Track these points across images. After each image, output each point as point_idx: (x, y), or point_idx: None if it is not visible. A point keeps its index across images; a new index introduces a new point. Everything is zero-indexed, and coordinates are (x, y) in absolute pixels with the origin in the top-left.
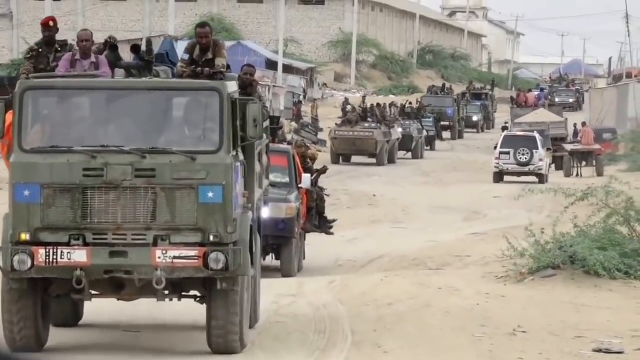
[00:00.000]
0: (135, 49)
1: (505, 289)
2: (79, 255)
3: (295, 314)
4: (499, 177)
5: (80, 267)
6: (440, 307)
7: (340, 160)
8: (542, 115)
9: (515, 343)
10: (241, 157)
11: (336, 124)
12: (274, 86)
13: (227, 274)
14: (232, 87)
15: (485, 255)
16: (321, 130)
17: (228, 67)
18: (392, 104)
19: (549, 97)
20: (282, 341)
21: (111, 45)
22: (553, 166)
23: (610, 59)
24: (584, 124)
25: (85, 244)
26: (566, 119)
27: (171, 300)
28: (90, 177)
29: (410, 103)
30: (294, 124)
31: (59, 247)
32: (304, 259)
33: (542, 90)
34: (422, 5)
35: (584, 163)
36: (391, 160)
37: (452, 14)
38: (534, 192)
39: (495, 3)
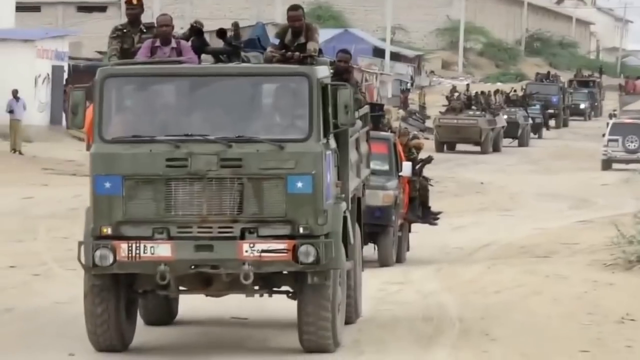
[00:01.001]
0: (221, 33)
1: (614, 277)
2: (163, 250)
3: (402, 301)
4: (607, 164)
5: (164, 261)
6: (547, 295)
7: (445, 148)
8: None
9: (624, 331)
10: (333, 145)
11: (440, 112)
12: (381, 74)
13: (318, 267)
14: (323, 72)
15: (593, 243)
16: (428, 117)
17: (320, 51)
18: (497, 92)
19: None
20: (389, 329)
21: (197, 31)
22: None
23: None
24: None
25: (169, 238)
26: None
27: (261, 296)
28: (174, 167)
29: (515, 90)
30: (401, 111)
31: (142, 241)
32: (408, 250)
33: None
34: None
35: None
36: (496, 148)
37: (560, 1)
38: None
39: None
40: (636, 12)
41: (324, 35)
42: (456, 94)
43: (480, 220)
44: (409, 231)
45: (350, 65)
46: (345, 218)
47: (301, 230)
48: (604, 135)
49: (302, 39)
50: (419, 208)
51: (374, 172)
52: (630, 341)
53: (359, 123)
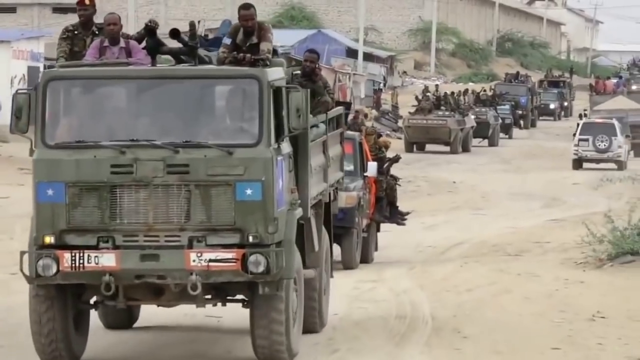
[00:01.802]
0: (174, 34)
1: (584, 275)
2: (107, 259)
3: (376, 299)
4: (577, 164)
5: (109, 272)
6: (519, 293)
7: (414, 148)
8: (621, 102)
9: (595, 329)
10: (288, 149)
11: (409, 112)
12: (354, 74)
13: (268, 277)
14: (276, 74)
15: (564, 242)
16: (401, 117)
17: (275, 52)
18: (466, 92)
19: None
20: (363, 327)
21: (150, 30)
22: (632, 153)
23: None
24: None
25: (115, 247)
26: None
27: (214, 305)
28: (119, 174)
29: (485, 90)
30: (374, 111)
31: (86, 251)
32: (376, 250)
33: (620, 77)
34: None
35: None
36: (465, 149)
37: (531, 2)
38: (612, 179)
39: None
40: (606, 13)
41: (297, 35)
42: (428, 94)
43: (453, 219)
44: (378, 230)
45: (318, 65)
46: (302, 225)
47: (251, 239)
48: (574, 134)
49: (254, 39)
50: (387, 208)
51: None
52: (601, 338)
53: (322, 126)
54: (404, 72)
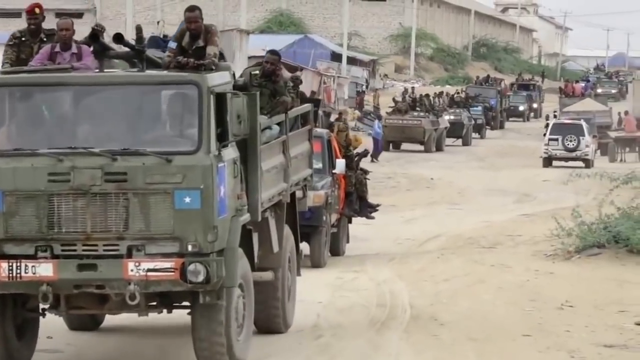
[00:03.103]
0: (117, 38)
1: (554, 266)
2: (45, 269)
3: (358, 288)
4: (547, 162)
5: (47, 282)
6: (492, 283)
7: (390, 147)
8: (589, 104)
9: (563, 316)
10: (232, 155)
11: (387, 113)
12: (339, 77)
13: (208, 286)
14: (218, 79)
15: (535, 235)
16: (381, 118)
17: (222, 56)
18: (441, 94)
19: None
20: (346, 314)
21: (92, 35)
22: (598, 152)
23: None
24: (626, 112)
25: (53, 256)
26: (610, 108)
27: (159, 313)
28: (56, 182)
29: (459, 92)
30: (357, 112)
31: (24, 260)
32: (348, 242)
33: (588, 81)
34: (476, 1)
35: (627, 149)
36: (439, 148)
37: (505, 9)
38: (580, 176)
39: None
40: (575, 20)
41: (285, 40)
42: (406, 96)
43: (430, 213)
44: (350, 222)
45: (277, 67)
46: (250, 230)
47: (190, 247)
48: (544, 134)
49: (200, 42)
50: (357, 202)
51: None
52: (569, 326)
53: (276, 128)
54: (385, 75)
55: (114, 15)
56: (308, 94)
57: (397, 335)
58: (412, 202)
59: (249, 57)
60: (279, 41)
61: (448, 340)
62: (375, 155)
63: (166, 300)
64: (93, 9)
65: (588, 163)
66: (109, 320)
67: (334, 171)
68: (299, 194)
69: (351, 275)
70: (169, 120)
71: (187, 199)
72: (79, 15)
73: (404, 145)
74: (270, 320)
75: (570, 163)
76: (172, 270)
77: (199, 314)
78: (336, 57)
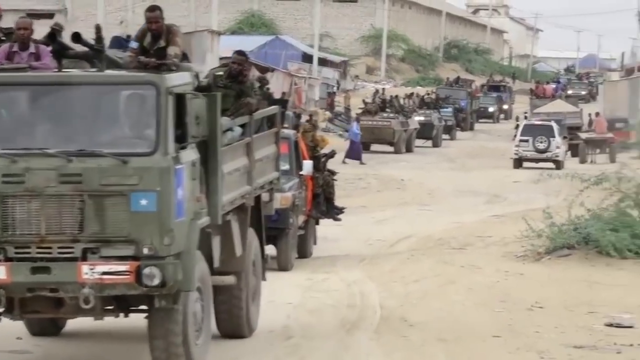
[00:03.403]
0: (75, 37)
1: (524, 267)
2: None
3: (328, 289)
4: (518, 163)
5: (0, 285)
6: (463, 284)
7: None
8: (559, 105)
9: (533, 318)
10: (191, 157)
11: (356, 114)
12: (310, 78)
13: (164, 290)
14: (178, 79)
15: (505, 236)
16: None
17: (185, 56)
18: (411, 95)
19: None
20: (316, 315)
21: (50, 34)
22: (569, 153)
23: (622, 53)
24: (597, 114)
25: (7, 259)
26: (581, 109)
27: (116, 317)
28: (10, 183)
29: (429, 94)
30: (328, 113)
31: None
32: (315, 243)
33: (559, 82)
34: (447, 3)
35: (597, 150)
36: (409, 149)
37: (476, 11)
38: (551, 176)
39: (516, 1)
40: (546, 22)
41: (256, 41)
42: (376, 97)
43: (401, 214)
44: (317, 223)
45: (245, 67)
46: (209, 233)
47: (145, 250)
48: (515, 136)
49: (162, 43)
50: (324, 203)
51: None
52: (539, 327)
53: (238, 130)
54: (356, 76)
55: (85, 15)
56: (279, 95)
57: (367, 336)
58: (382, 203)
59: (220, 58)
60: (250, 42)
61: (418, 341)
62: (358, 158)
63: (123, 304)
64: (64, 9)
65: (559, 164)
66: (80, 321)
67: (301, 173)
68: (265, 197)
69: (321, 276)
70: (126, 121)
71: (143, 202)
72: (50, 15)
73: (374, 147)
74: (233, 324)
75: (541, 164)
76: (127, 273)
77: (155, 318)
78: (307, 58)
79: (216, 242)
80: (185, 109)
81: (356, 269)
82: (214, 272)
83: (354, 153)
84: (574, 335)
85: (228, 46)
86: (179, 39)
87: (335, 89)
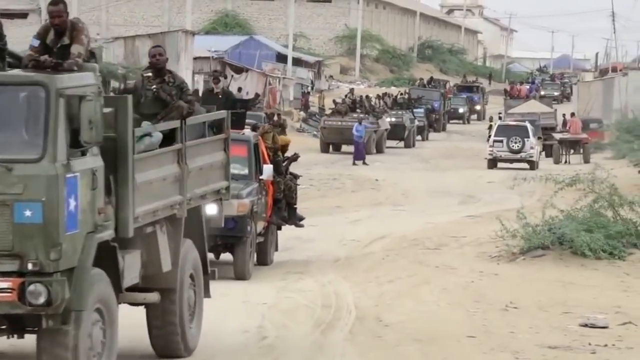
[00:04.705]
0: None
1: (498, 268)
2: None
3: (303, 289)
4: (492, 163)
5: None
6: (437, 284)
7: (331, 149)
8: (533, 106)
9: (507, 318)
10: (89, 164)
11: (326, 115)
12: (284, 78)
13: (50, 309)
14: (74, 80)
15: (479, 237)
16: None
17: (92, 55)
18: (384, 95)
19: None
20: (291, 315)
21: None
22: (543, 153)
23: (597, 54)
24: (572, 114)
25: None
26: (555, 110)
27: (9, 338)
28: None
29: (402, 94)
30: (302, 113)
31: None
32: (277, 250)
33: (533, 82)
34: (421, 3)
35: (572, 151)
36: (379, 150)
37: (450, 11)
38: (526, 179)
39: (490, 1)
40: (520, 22)
41: (231, 41)
42: (346, 97)
43: (375, 214)
44: (279, 229)
45: (164, 56)
46: (114, 248)
47: (30, 266)
48: (489, 136)
49: (66, 40)
50: (285, 209)
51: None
52: (513, 327)
53: (158, 135)
54: (331, 77)
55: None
56: (253, 95)
57: (341, 336)
58: (356, 203)
59: (195, 58)
60: (225, 42)
61: (392, 341)
62: (361, 158)
63: (18, 323)
64: (38, 9)
65: (533, 164)
66: None
67: (261, 177)
68: (211, 208)
69: (296, 276)
70: (13, 124)
71: (28, 212)
72: (23, 15)
73: (345, 147)
74: (168, 344)
75: (515, 165)
76: (10, 290)
77: (42, 342)
78: (281, 58)
79: (131, 257)
80: (79, 113)
81: (331, 269)
82: (120, 290)
83: (358, 154)
84: (548, 335)
85: (202, 46)
86: (84, 37)
87: (309, 89)
